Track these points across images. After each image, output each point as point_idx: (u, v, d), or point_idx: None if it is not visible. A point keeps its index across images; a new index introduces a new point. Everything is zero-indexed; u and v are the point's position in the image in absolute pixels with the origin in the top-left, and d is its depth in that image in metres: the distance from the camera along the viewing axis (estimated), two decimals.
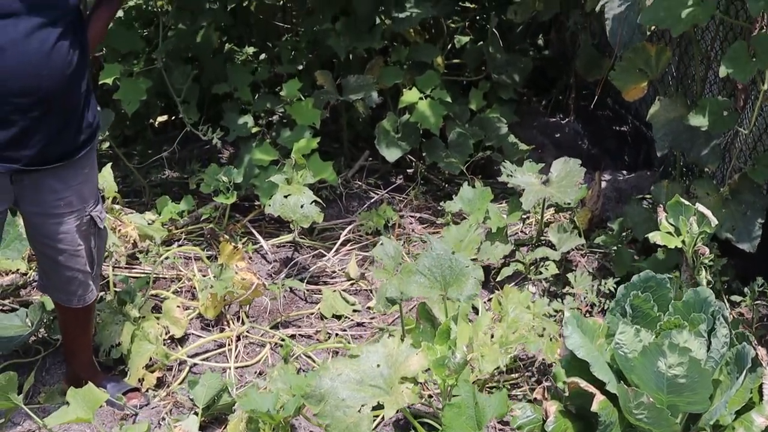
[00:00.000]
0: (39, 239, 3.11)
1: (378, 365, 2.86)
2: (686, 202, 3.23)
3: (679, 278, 3.41)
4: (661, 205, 3.45)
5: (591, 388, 2.73)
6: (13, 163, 2.87)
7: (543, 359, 3.44)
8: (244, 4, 6.09)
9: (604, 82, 4.59)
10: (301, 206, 4.20)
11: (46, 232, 3.07)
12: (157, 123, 5.92)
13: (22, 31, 2.73)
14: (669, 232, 3.23)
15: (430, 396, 3.33)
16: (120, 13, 6.87)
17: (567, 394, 2.91)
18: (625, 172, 5.18)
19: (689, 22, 3.56)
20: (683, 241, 3.18)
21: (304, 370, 3.62)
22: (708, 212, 3.18)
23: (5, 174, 2.88)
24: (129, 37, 5.21)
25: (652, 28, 3.92)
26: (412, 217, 4.89)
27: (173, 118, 5.81)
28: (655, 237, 3.24)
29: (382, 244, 3.51)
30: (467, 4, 6.20)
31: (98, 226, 3.18)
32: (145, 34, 6.02)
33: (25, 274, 4.23)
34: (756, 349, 2.88)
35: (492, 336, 3.32)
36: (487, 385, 3.37)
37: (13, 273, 4.21)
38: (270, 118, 5.45)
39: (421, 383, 2.94)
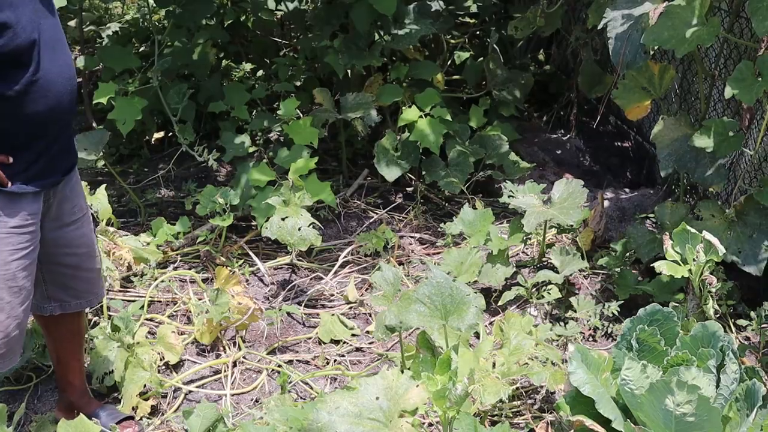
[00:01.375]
0: (58, 251, 3.04)
1: (377, 398, 2.78)
2: (693, 230, 3.15)
3: (685, 305, 3.34)
4: (666, 234, 3.37)
5: (597, 427, 2.64)
6: (56, 175, 2.89)
7: (546, 388, 3.37)
8: (242, 20, 6.05)
9: (606, 98, 4.54)
10: (299, 229, 4.13)
11: (65, 241, 3.03)
12: (153, 140, 5.87)
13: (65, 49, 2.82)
14: (675, 261, 3.15)
15: (430, 424, 3.25)
16: (116, 28, 6.86)
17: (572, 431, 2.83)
18: (627, 189, 5.12)
19: (694, 42, 3.50)
20: (690, 270, 3.11)
21: (302, 398, 3.55)
22: (715, 240, 3.10)
23: (43, 191, 2.86)
24: (124, 55, 5.16)
25: (656, 47, 3.86)
26: (411, 237, 4.81)
27: (170, 135, 5.75)
28: (661, 266, 3.17)
29: (380, 269, 3.44)
30: (467, 20, 6.15)
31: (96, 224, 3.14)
32: (140, 51, 5.99)
33: None
34: (766, 384, 2.80)
35: (494, 364, 3.25)
36: (489, 416, 3.29)
37: None
38: (267, 137, 5.40)
39: (421, 414, 2.87)
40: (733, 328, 3.70)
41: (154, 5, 5.48)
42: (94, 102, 4.86)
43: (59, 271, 3.10)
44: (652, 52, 4.05)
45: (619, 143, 5.67)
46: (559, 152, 5.66)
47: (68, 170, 2.96)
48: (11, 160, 2.70)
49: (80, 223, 3.07)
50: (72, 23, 7.57)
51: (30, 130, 2.74)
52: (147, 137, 5.77)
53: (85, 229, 3.09)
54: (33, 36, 2.66)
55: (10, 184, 2.70)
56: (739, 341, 3.64)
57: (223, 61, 6.01)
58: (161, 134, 5.85)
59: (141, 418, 3.46)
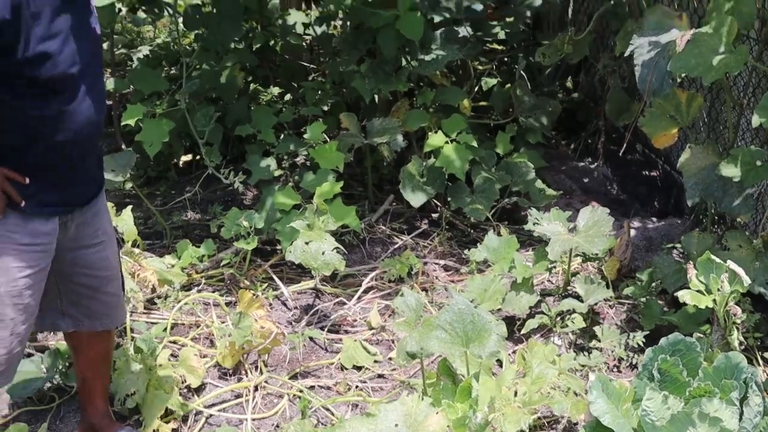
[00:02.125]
0: (77, 270, 3.04)
1: (396, 425, 2.76)
2: (717, 260, 3.12)
3: (710, 337, 3.30)
4: (691, 263, 3.33)
5: None
6: (73, 203, 2.90)
7: (568, 418, 3.33)
8: (270, 44, 6.08)
9: (634, 126, 4.52)
10: (323, 253, 4.13)
11: (84, 263, 3.03)
12: (181, 163, 5.89)
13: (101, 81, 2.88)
14: (699, 291, 3.12)
15: None
16: (147, 52, 6.93)
17: None
18: (654, 219, 5.08)
19: (721, 70, 3.47)
20: (714, 300, 3.07)
21: (322, 424, 3.53)
22: (740, 271, 3.06)
23: (58, 217, 2.86)
24: (153, 78, 5.19)
25: (683, 75, 3.84)
26: (436, 264, 4.79)
27: (197, 157, 5.78)
28: (684, 296, 3.13)
29: (402, 295, 3.42)
30: (495, 46, 6.15)
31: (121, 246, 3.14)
32: (170, 74, 6.03)
33: None
34: None
35: (515, 393, 3.22)
36: None
37: None
38: (293, 161, 5.41)
39: None
40: (761, 361, 3.65)
41: (184, 29, 5.52)
42: (122, 124, 4.89)
43: (77, 291, 3.10)
44: (679, 80, 4.03)
45: (647, 172, 5.63)
46: (586, 180, 5.63)
47: (88, 199, 2.97)
48: (27, 180, 2.71)
49: (102, 246, 3.06)
50: (104, 46, 7.64)
51: (51, 155, 2.75)
52: (174, 159, 5.79)
53: (107, 252, 3.08)
54: (73, 68, 2.70)
55: (23, 202, 2.71)
56: (766, 374, 3.59)
57: (251, 84, 6.04)
58: (189, 157, 5.88)
59: None
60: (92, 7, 2.83)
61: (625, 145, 4.97)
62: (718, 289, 3.07)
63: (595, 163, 5.83)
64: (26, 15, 2.56)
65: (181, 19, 5.46)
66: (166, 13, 5.64)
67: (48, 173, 2.78)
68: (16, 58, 2.56)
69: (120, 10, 5.11)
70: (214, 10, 5.35)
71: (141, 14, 6.63)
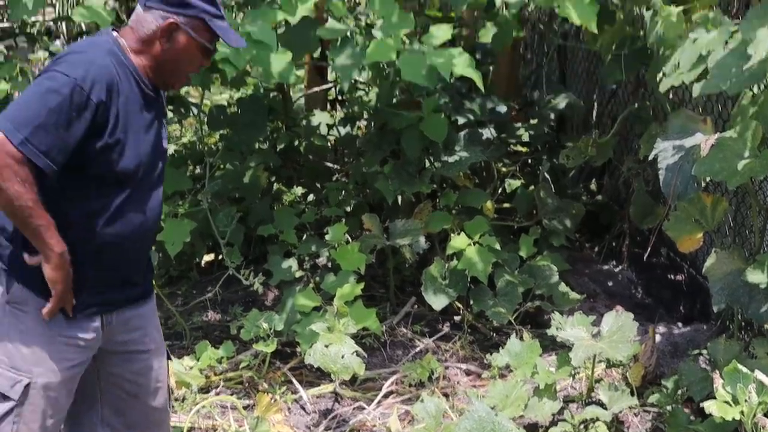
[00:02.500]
0: (120, 375, 3.01)
1: None
2: (744, 369, 3.04)
3: None
4: (717, 371, 3.25)
5: None
6: (120, 304, 2.92)
7: None
8: (295, 145, 6.11)
9: (659, 230, 4.47)
10: (342, 357, 4.07)
11: (130, 368, 3.00)
12: (203, 263, 5.88)
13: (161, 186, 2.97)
14: (726, 401, 3.03)
15: None
16: (172, 151, 6.98)
17: None
18: (680, 324, 5.00)
19: (746, 174, 3.44)
20: (741, 412, 2.98)
21: None
22: None
23: (102, 316, 2.87)
24: (177, 177, 5.20)
25: (708, 179, 3.80)
26: (457, 368, 4.71)
27: (219, 257, 5.77)
28: (710, 407, 3.04)
29: (422, 401, 3.35)
30: (519, 148, 6.15)
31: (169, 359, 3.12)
32: (194, 173, 6.06)
33: None
34: None
35: None
36: None
37: None
38: (315, 261, 5.39)
39: None
40: None
41: (208, 129, 5.57)
42: None
43: (119, 397, 3.05)
44: (704, 184, 3.99)
45: (672, 276, 5.56)
46: (610, 284, 5.57)
47: (135, 300, 2.97)
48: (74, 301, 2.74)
49: (149, 354, 3.04)
50: None
51: (105, 253, 2.79)
52: (197, 259, 5.78)
53: (153, 362, 3.05)
54: (140, 166, 2.78)
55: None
56: None
57: (275, 184, 6.06)
58: (211, 257, 5.86)
59: None
60: (164, 122, 2.99)
61: (649, 249, 4.91)
62: (746, 400, 2.99)
63: (620, 267, 5.77)
64: (117, 102, 2.70)
65: (205, 119, 5.50)
66: (192, 112, 5.69)
67: (99, 272, 2.81)
68: (100, 142, 2.67)
69: None
70: (239, 111, 5.39)
71: (168, 113, 6.69)
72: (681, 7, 4.05)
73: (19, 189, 2.55)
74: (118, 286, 2.89)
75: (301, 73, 6.75)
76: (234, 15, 4.45)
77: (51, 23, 8.17)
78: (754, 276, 3.60)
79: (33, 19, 7.74)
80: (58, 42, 9.11)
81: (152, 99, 2.89)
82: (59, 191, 2.69)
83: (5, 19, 6.50)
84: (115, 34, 2.89)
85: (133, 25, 2.87)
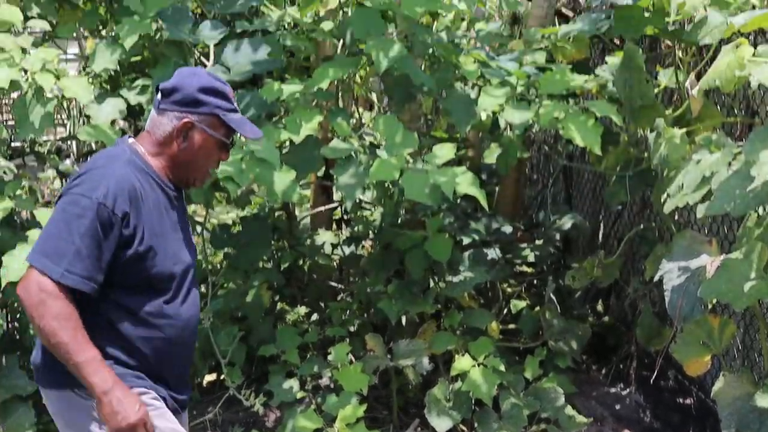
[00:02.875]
0: None
1: None
2: None
3: None
4: None
5: None
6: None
7: None
8: (299, 264, 6.09)
9: (666, 352, 4.41)
10: None
11: None
12: (204, 382, 5.80)
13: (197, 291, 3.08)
14: None
15: None
16: None
17: None
18: None
19: (753, 296, 3.38)
20: None
21: None
22: None
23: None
24: None
25: (714, 300, 3.75)
26: None
27: (221, 378, 5.69)
28: None
29: None
30: (524, 269, 6.12)
31: None
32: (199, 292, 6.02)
33: None
34: None
35: None
36: None
37: None
38: (317, 382, 5.31)
39: None
40: None
41: (212, 248, 5.56)
42: None
43: None
44: (710, 306, 3.95)
45: (681, 399, 5.46)
46: (617, 407, 5.46)
47: (181, 408, 3.04)
48: None
49: None
50: None
51: (145, 357, 2.84)
52: (198, 379, 5.70)
53: None
54: (177, 267, 2.87)
55: None
56: None
57: (278, 303, 6.02)
58: (213, 376, 5.79)
59: None
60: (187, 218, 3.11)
61: (657, 372, 4.83)
62: None
63: (627, 389, 5.67)
64: (141, 209, 2.77)
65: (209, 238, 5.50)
66: (196, 231, 5.69)
67: (150, 376, 2.88)
68: (130, 251, 2.73)
69: None
70: (243, 230, 5.39)
71: None
72: (684, 129, 4.07)
73: (54, 325, 2.58)
74: (171, 386, 2.95)
75: (307, 192, 6.78)
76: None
77: (60, 142, 8.26)
78: (764, 401, 3.51)
79: (44, 138, 7.85)
80: (68, 161, 9.20)
81: (175, 198, 2.97)
82: (99, 302, 2.74)
83: (14, 138, 6.56)
84: (131, 140, 2.97)
85: (149, 129, 2.95)
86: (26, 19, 4.89)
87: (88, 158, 4.78)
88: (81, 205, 2.67)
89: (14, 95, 4.63)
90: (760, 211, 3.64)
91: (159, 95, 2.95)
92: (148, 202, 2.82)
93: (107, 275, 2.72)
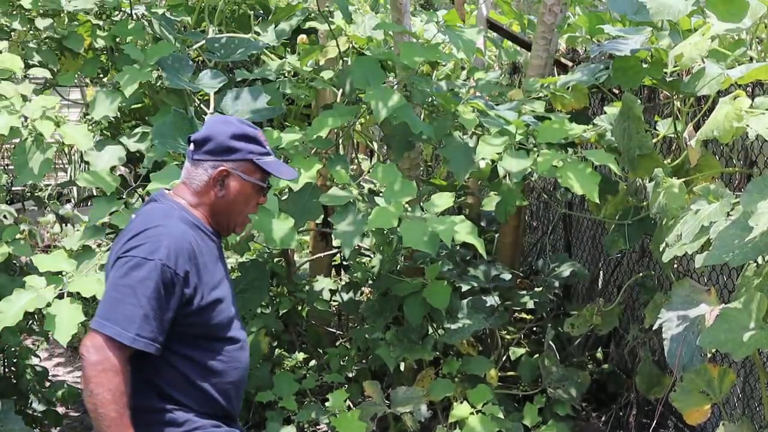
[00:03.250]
0: None
1: None
2: None
3: None
4: None
5: None
6: None
7: None
8: (298, 309, 6.09)
9: (666, 399, 4.39)
10: None
11: None
12: None
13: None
14: None
15: None
16: None
17: None
18: None
19: (752, 346, 3.37)
20: None
21: None
22: None
23: None
24: None
25: (714, 349, 3.74)
26: None
27: None
28: None
29: None
30: (523, 315, 6.11)
31: None
32: None
33: None
34: None
35: None
36: None
37: None
38: (315, 428, 5.29)
39: None
40: None
41: None
42: None
43: None
44: (709, 355, 3.93)
45: None
46: None
47: None
48: None
49: None
50: None
51: (213, 402, 2.89)
52: None
53: None
54: (232, 314, 2.93)
55: None
56: None
57: (276, 349, 6.00)
58: None
59: None
60: None
61: (656, 420, 4.81)
62: None
63: None
64: (199, 265, 2.81)
65: None
66: None
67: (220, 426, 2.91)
68: (192, 307, 2.77)
69: None
70: (241, 276, 5.39)
71: None
72: (683, 179, 4.09)
73: (108, 398, 2.62)
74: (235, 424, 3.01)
75: (306, 238, 6.79)
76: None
77: (60, 187, 8.29)
78: None
79: (44, 182, 7.88)
80: (68, 205, 9.24)
81: (218, 245, 3.02)
82: (165, 356, 2.77)
83: (14, 183, 6.59)
84: (169, 194, 3.00)
85: (185, 181, 2.98)
86: (27, 66, 4.94)
87: (89, 204, 4.77)
88: (146, 268, 2.69)
89: (14, 140, 4.66)
90: (759, 260, 3.64)
91: (191, 146, 2.98)
92: (203, 257, 2.85)
93: (171, 329, 2.75)
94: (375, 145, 6.85)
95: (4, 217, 5.93)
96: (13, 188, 7.94)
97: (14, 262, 4.94)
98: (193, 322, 2.81)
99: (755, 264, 3.63)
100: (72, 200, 9.83)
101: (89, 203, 9.39)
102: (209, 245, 2.94)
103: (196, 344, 2.84)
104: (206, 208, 2.97)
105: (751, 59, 4.03)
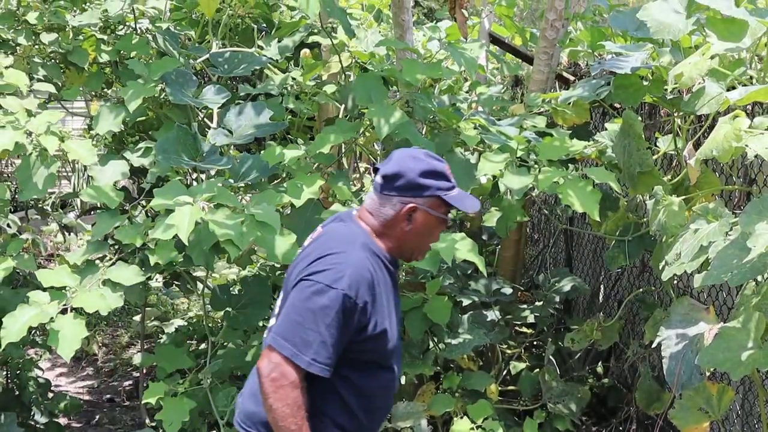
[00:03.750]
0: None
1: None
2: None
3: None
4: None
5: None
6: None
7: None
8: None
9: (665, 416, 4.40)
10: None
11: None
12: None
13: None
14: None
15: None
16: (179, 324, 6.97)
17: None
18: None
19: (750, 366, 3.38)
20: None
21: None
22: None
23: None
24: (177, 356, 5.19)
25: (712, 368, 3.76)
26: None
27: None
28: None
29: None
30: (524, 330, 6.12)
31: None
32: (198, 349, 6.02)
33: None
34: None
35: None
36: None
37: None
38: None
39: None
40: None
41: (211, 308, 5.57)
42: (143, 402, 4.84)
43: None
44: (708, 373, 3.95)
45: None
46: None
47: None
48: None
49: None
50: (136, 318, 7.72)
51: (360, 426, 3.00)
52: None
53: None
54: (396, 342, 3.02)
55: None
56: None
57: None
58: None
59: None
60: None
61: None
62: None
63: None
64: (376, 295, 2.90)
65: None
66: (197, 291, 5.70)
67: None
68: (365, 335, 2.86)
69: (147, 285, 5.16)
70: (243, 290, 5.40)
71: (175, 288, 6.72)
72: (683, 197, 4.11)
73: (287, 412, 2.74)
74: None
75: None
76: (240, 198, 4.51)
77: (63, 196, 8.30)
78: None
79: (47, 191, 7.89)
80: (71, 215, 9.26)
81: (394, 274, 3.09)
82: (331, 379, 2.85)
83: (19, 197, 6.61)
84: (356, 216, 3.11)
85: (371, 211, 3.06)
86: (31, 79, 4.97)
87: (95, 213, 4.75)
88: (328, 296, 2.77)
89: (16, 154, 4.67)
90: (759, 278, 3.65)
91: (380, 179, 3.05)
92: (380, 286, 2.93)
93: (340, 355, 2.85)
94: (378, 158, 6.86)
95: (8, 226, 5.96)
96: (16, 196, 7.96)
97: (17, 271, 4.96)
98: (363, 348, 2.89)
99: (754, 282, 3.65)
100: (75, 209, 9.84)
101: (92, 212, 9.42)
102: (386, 274, 3.01)
103: (359, 369, 2.94)
104: (392, 240, 3.05)
105: (751, 78, 4.05)
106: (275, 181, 4.85)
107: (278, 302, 3.10)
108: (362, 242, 2.96)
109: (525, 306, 5.84)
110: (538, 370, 5.64)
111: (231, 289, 5.36)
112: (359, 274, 2.83)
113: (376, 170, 3.08)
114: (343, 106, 5.16)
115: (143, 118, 5.19)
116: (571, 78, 6.21)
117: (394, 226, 3.03)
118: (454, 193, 3.07)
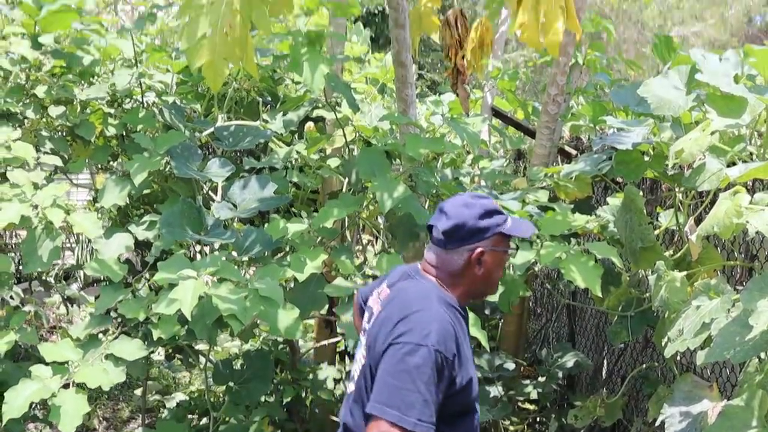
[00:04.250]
0: None
1: None
2: None
3: None
4: None
5: None
6: None
7: None
8: (301, 397, 6.05)
9: None
10: None
11: None
12: None
13: None
14: None
15: None
16: (181, 398, 6.92)
17: None
18: None
19: None
20: None
21: None
22: None
23: None
24: (178, 431, 5.16)
25: None
26: None
27: None
28: None
29: None
30: (526, 406, 6.08)
31: None
32: (200, 424, 5.99)
33: None
34: None
35: None
36: None
37: None
38: None
39: None
40: None
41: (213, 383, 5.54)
42: None
43: None
44: None
45: None
46: None
47: None
48: None
49: None
50: (138, 391, 7.68)
51: None
52: None
53: None
54: (477, 388, 3.04)
55: None
56: None
57: None
58: None
59: None
60: None
61: None
62: None
63: None
64: (461, 346, 2.92)
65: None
66: (199, 364, 5.68)
67: None
68: (456, 387, 2.88)
69: (149, 359, 5.15)
70: (245, 364, 5.38)
71: (177, 361, 6.70)
72: (685, 273, 4.11)
73: None
74: None
75: (311, 321, 6.77)
76: (243, 272, 4.51)
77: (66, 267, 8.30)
78: None
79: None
80: (74, 286, 9.26)
81: (466, 320, 3.12)
82: None
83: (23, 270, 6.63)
84: (422, 270, 3.14)
85: (437, 265, 3.10)
86: (38, 151, 5.01)
87: (103, 285, 4.74)
88: (421, 355, 2.76)
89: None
90: (762, 355, 3.64)
91: (440, 236, 3.09)
92: (461, 336, 2.95)
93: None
94: (381, 231, 6.88)
95: (11, 298, 5.96)
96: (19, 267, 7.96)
97: (20, 344, 4.94)
98: (454, 401, 2.90)
99: (757, 359, 3.64)
100: (78, 280, 9.84)
101: (95, 284, 9.42)
102: (461, 323, 3.04)
103: (449, 423, 2.93)
104: (460, 287, 3.09)
105: (751, 154, 4.07)
106: (279, 255, 4.86)
107: (354, 366, 3.14)
108: (437, 296, 3.00)
109: (528, 381, 5.81)
110: None
111: (233, 363, 5.34)
112: (444, 329, 2.85)
113: (430, 228, 3.13)
114: (347, 179, 5.19)
115: (148, 191, 5.21)
116: (573, 152, 6.25)
117: (464, 274, 3.08)
118: (510, 224, 3.13)
